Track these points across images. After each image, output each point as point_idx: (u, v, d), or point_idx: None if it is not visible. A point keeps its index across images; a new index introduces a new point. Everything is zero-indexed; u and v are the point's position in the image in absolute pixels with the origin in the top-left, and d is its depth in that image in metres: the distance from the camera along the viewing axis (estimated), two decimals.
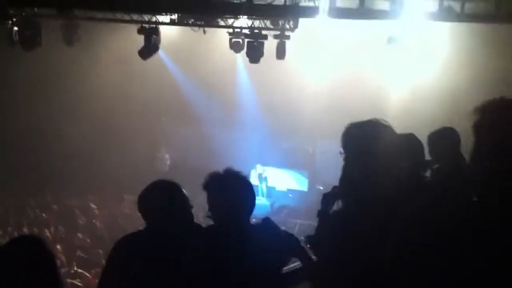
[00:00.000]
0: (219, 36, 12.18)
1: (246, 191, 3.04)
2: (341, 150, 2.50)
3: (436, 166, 4.17)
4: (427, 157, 4.11)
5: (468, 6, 8.34)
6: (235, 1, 9.39)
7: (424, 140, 4.03)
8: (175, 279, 3.02)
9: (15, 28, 10.51)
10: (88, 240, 10.74)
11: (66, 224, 11.56)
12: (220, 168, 3.07)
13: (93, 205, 13.13)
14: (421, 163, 3.87)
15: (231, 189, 3.00)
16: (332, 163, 2.62)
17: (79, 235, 11.04)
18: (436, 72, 12.16)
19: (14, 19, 10.45)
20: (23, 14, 10.47)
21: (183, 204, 3.27)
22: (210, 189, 3.04)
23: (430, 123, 4.69)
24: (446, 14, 8.15)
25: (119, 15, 10.68)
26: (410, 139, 3.73)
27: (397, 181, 2.48)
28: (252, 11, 9.05)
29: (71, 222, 11.85)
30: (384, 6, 8.72)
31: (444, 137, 4.20)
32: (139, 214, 3.30)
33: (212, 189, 3.03)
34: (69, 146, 14.85)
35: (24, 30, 10.42)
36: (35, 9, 10.58)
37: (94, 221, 11.84)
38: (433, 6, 8.18)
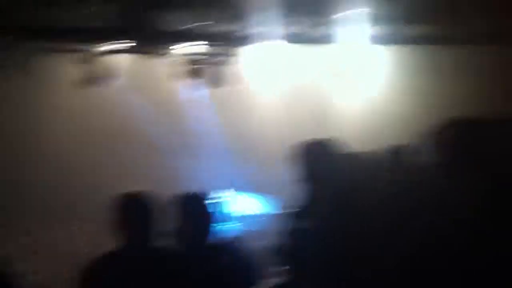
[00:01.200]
0: (173, 63, 12.17)
1: (201, 210, 3.07)
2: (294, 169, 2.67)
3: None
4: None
5: (412, 29, 8.47)
6: (182, 28, 9.45)
7: None
8: None
9: None
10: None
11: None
12: None
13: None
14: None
15: (186, 209, 3.06)
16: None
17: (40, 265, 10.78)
18: (381, 96, 12.27)
19: None
20: None
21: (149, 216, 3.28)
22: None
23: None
24: (389, 38, 8.27)
25: (67, 45, 10.62)
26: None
27: (350, 193, 2.64)
28: (201, 38, 9.16)
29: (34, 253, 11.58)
30: (325, 31, 8.78)
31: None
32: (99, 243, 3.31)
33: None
34: (24, 180, 14.54)
35: None
36: None
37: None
38: (376, 30, 8.28)
